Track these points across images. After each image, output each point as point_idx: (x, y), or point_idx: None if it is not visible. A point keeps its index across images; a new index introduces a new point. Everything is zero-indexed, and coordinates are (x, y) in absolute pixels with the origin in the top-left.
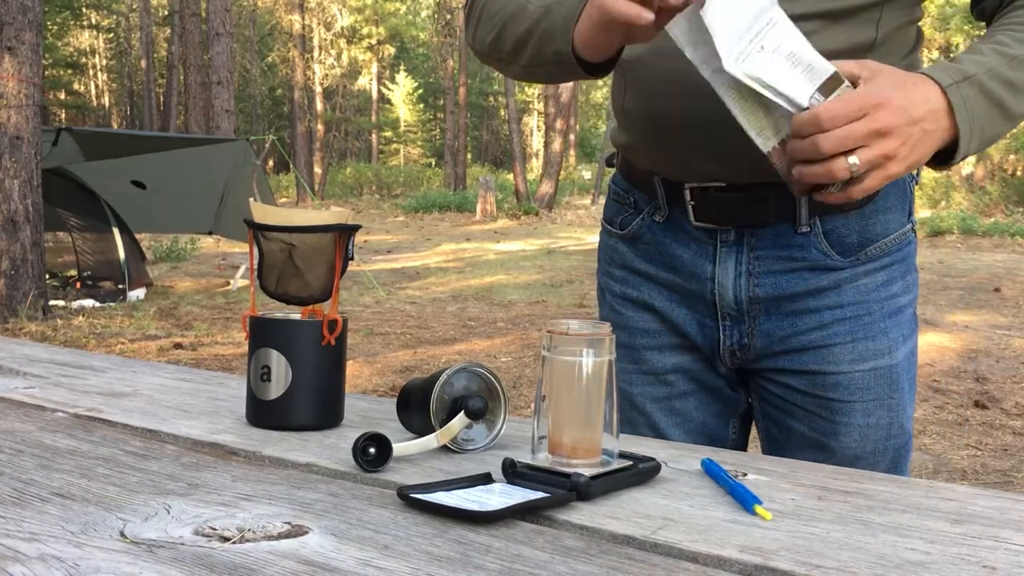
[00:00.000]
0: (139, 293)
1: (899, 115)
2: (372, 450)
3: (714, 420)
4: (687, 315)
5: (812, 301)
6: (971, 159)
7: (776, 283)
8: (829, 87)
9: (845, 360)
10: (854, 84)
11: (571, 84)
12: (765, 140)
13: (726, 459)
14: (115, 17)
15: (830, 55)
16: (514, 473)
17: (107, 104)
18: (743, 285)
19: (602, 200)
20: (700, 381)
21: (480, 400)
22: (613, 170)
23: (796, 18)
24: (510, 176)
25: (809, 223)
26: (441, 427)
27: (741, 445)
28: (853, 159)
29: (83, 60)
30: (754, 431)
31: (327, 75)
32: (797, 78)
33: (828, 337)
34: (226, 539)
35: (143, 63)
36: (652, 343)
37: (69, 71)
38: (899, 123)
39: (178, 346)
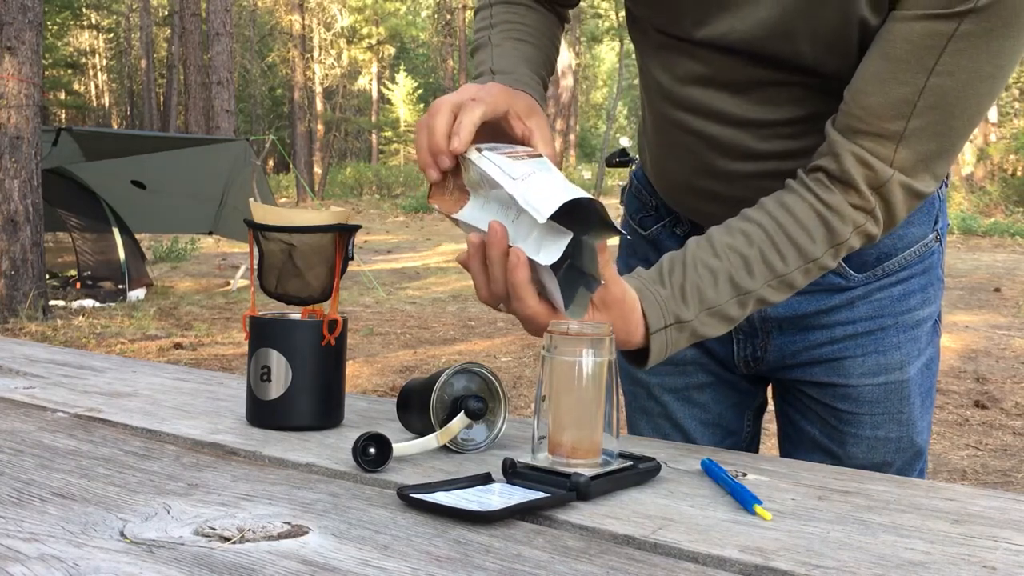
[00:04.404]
0: (139, 293)
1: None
2: (372, 450)
3: (731, 412)
4: None
5: (824, 318)
6: (971, 159)
7: (788, 305)
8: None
9: (855, 373)
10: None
11: (571, 84)
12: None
13: (726, 459)
14: (115, 17)
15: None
16: (514, 473)
17: (107, 104)
18: None
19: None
20: (717, 374)
21: (480, 400)
22: (613, 170)
23: (779, 123)
24: None
25: None
26: (441, 427)
27: (754, 438)
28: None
29: (83, 60)
30: (769, 425)
31: (327, 75)
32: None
33: (839, 351)
34: (226, 539)
35: (143, 63)
36: None
37: (69, 71)
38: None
39: (178, 346)
